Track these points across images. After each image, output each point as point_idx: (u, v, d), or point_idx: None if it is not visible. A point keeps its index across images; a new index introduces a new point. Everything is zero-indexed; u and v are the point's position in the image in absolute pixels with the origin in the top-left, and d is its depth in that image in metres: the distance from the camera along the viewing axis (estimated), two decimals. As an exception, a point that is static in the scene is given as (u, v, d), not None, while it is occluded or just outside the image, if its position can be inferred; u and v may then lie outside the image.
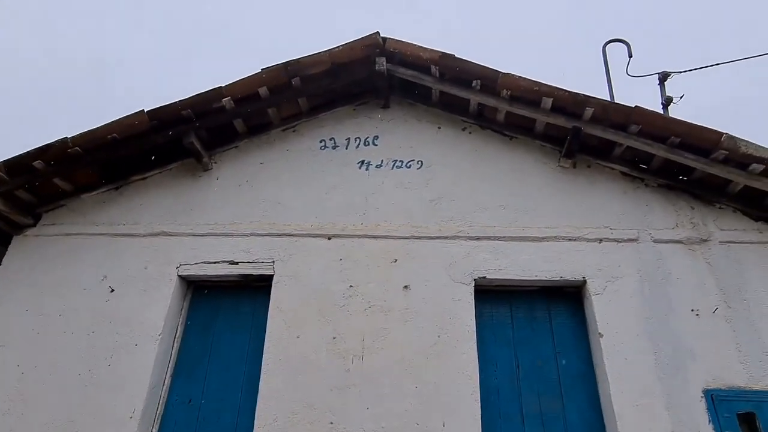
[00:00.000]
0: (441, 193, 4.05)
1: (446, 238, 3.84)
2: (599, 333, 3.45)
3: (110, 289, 3.81)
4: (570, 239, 3.79)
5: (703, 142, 3.61)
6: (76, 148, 3.86)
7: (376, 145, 4.30)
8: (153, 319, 3.68)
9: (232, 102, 4.01)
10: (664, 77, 4.79)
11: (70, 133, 3.84)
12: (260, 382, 3.43)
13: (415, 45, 4.01)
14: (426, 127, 4.36)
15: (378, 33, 4.00)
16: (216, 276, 3.87)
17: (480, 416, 3.26)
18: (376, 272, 3.75)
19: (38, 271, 3.94)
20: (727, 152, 3.55)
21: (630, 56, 4.92)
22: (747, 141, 3.47)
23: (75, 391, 3.48)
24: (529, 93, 3.85)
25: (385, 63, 4.09)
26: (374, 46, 4.06)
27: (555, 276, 3.67)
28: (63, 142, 3.83)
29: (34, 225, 4.15)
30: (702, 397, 3.22)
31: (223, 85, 3.93)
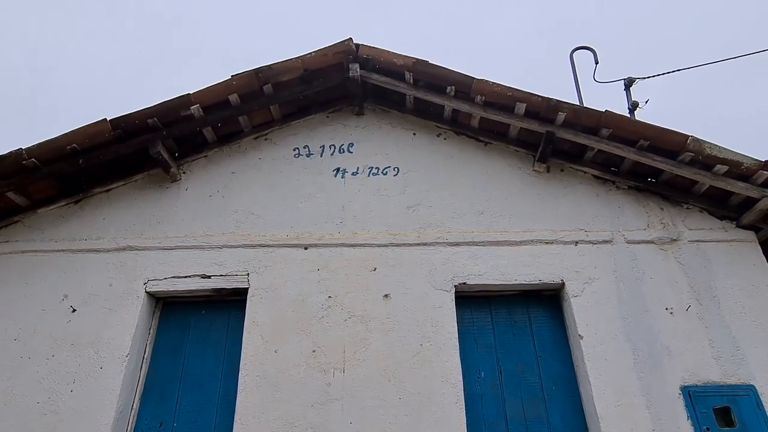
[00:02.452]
0: (418, 200, 4.01)
1: (425, 244, 3.80)
2: (579, 335, 3.48)
3: (71, 309, 3.58)
4: (547, 242, 3.82)
5: (670, 144, 3.72)
6: (32, 159, 3.64)
7: (351, 152, 4.24)
8: (119, 339, 3.47)
9: (201, 110, 3.88)
10: (629, 83, 4.96)
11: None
12: (237, 401, 3.28)
13: (389, 51, 3.99)
14: (401, 134, 4.33)
15: (351, 39, 3.96)
16: (187, 291, 3.69)
17: (465, 424, 3.21)
18: (355, 281, 3.67)
19: (-10, 293, 3.66)
20: (693, 154, 3.67)
21: (596, 63, 5.07)
22: (711, 143, 3.60)
23: (34, 421, 3.23)
24: (502, 98, 3.88)
25: (358, 69, 4.05)
26: (347, 52, 4.02)
27: (534, 279, 3.68)
28: (17, 154, 3.60)
29: (-14, 243, 3.87)
30: (680, 394, 3.28)
31: (191, 92, 3.79)
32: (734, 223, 3.89)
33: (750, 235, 3.85)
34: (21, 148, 3.60)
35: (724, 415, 3.22)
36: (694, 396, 3.26)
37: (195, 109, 3.83)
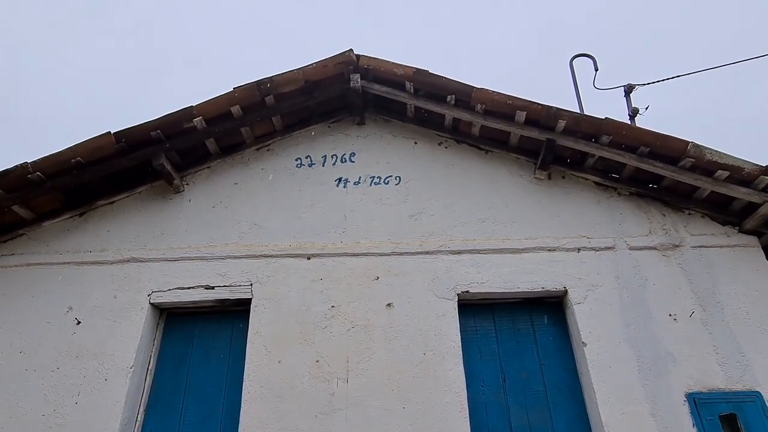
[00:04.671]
0: (420, 208, 4.03)
1: (427, 253, 3.81)
2: (583, 342, 3.47)
3: (76, 321, 3.60)
4: (549, 249, 3.82)
5: (670, 150, 3.73)
6: (37, 173, 3.68)
7: (353, 161, 4.26)
8: (123, 351, 3.49)
9: (203, 122, 3.91)
10: (629, 89, 4.97)
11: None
12: (241, 412, 3.28)
13: (389, 61, 4.02)
14: (402, 143, 4.36)
15: (351, 50, 4.00)
16: (191, 302, 3.71)
17: (469, 434, 3.21)
18: (358, 291, 3.68)
19: (-4, 306, 3.69)
20: (694, 160, 3.68)
21: (596, 70, 5.10)
22: (712, 149, 3.61)
23: (39, 434, 3.24)
24: (502, 107, 3.90)
25: (359, 80, 4.09)
26: (348, 63, 4.05)
27: (536, 287, 3.68)
28: (23, 167, 3.64)
29: (-9, 256, 3.91)
30: (685, 401, 3.26)
31: (193, 104, 3.83)
32: (737, 228, 3.89)
33: (753, 240, 3.84)
34: (26, 162, 3.64)
35: (730, 422, 3.20)
36: (699, 403, 3.24)
37: (198, 121, 3.87)
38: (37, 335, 3.57)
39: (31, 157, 3.62)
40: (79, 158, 3.74)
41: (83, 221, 4.06)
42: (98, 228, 4.02)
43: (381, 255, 3.81)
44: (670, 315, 3.56)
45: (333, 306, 3.62)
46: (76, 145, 3.71)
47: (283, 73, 3.94)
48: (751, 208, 3.75)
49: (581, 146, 3.89)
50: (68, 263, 3.84)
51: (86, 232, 4.00)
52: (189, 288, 3.71)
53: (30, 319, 3.63)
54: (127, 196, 4.13)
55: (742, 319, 3.53)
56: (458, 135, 4.31)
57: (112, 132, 3.74)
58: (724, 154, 3.60)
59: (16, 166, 3.63)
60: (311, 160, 4.28)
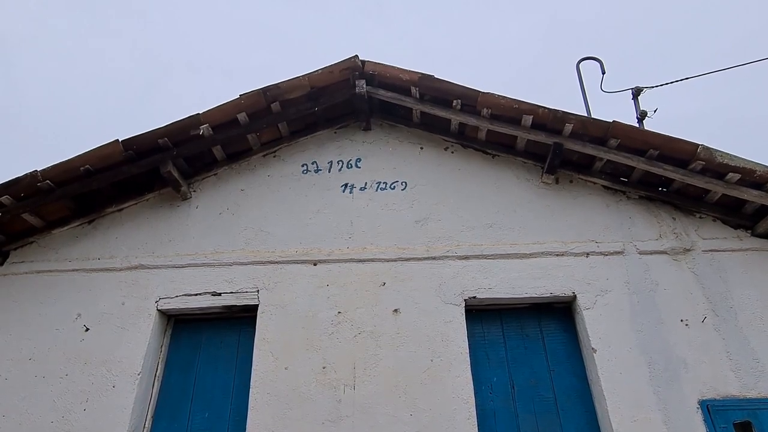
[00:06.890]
0: (426, 214, 4.01)
1: (434, 258, 3.79)
2: (592, 348, 3.42)
3: (85, 328, 3.62)
4: (557, 254, 3.78)
5: (680, 153, 3.68)
6: (47, 181, 3.72)
7: (359, 167, 4.26)
8: (131, 357, 3.50)
9: (210, 129, 3.93)
10: (637, 92, 4.92)
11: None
12: (248, 419, 3.27)
13: (394, 67, 4.02)
14: (408, 148, 4.35)
15: (357, 56, 4.01)
16: (198, 309, 3.72)
17: (478, 441, 3.17)
18: (365, 297, 3.66)
19: (6, 313, 3.73)
20: (704, 163, 3.63)
21: (603, 73, 5.05)
22: (722, 151, 3.55)
23: (47, 441, 3.25)
24: (509, 111, 3.89)
25: (364, 85, 4.09)
26: (353, 69, 4.06)
27: (545, 292, 3.64)
28: (32, 176, 3.68)
29: (2, 264, 3.96)
30: (698, 408, 3.21)
31: (200, 111, 3.86)
32: (749, 231, 3.83)
33: (766, 243, 3.78)
34: (36, 171, 3.68)
35: (745, 430, 3.14)
36: (712, 410, 3.18)
37: (204, 128, 3.89)
38: (46, 342, 3.59)
39: (34, 164, 3.68)
40: (87, 166, 3.77)
41: (92, 228, 4.09)
42: (107, 235, 4.05)
43: (387, 261, 3.79)
44: (681, 320, 3.51)
45: (339, 312, 3.60)
46: (84, 153, 3.74)
47: (289, 80, 3.95)
48: (764, 211, 3.70)
49: (589, 150, 3.86)
50: (77, 270, 3.87)
51: (95, 239, 4.04)
52: (196, 294, 3.72)
53: (39, 326, 3.66)
54: (135, 204, 4.16)
55: (756, 324, 3.46)
56: (464, 139, 4.30)
57: (119, 140, 3.77)
58: (735, 156, 3.55)
59: (25, 174, 3.67)
60: (317, 166, 4.28)
